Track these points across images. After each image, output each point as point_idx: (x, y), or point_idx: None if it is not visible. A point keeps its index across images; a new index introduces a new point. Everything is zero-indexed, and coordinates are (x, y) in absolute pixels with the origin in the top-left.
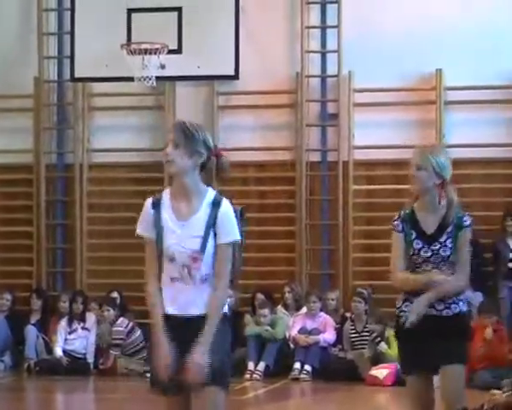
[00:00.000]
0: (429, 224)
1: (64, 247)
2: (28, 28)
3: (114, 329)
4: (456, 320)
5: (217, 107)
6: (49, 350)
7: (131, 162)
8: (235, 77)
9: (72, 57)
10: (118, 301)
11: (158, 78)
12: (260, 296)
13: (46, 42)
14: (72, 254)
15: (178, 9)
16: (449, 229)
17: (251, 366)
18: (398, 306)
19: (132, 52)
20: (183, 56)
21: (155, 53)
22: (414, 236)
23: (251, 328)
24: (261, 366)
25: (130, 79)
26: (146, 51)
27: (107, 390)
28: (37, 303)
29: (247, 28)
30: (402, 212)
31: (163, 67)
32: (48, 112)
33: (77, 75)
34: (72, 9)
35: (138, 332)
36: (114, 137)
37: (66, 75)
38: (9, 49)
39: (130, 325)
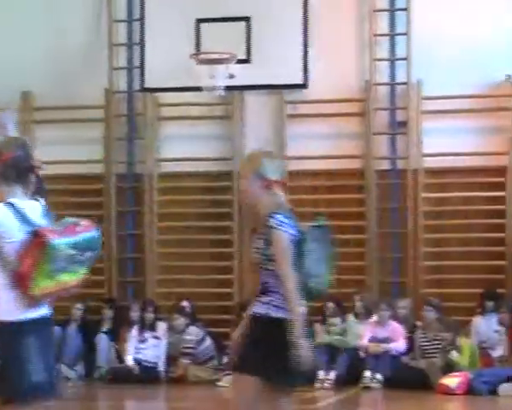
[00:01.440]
0: None
1: (134, 256)
2: (98, 39)
3: (185, 338)
4: None
5: (285, 116)
6: (121, 359)
7: (200, 171)
8: (304, 86)
9: (141, 68)
10: (188, 310)
11: (226, 87)
12: (331, 305)
13: (116, 53)
14: (142, 263)
15: (247, 19)
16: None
17: (322, 374)
18: None
19: (201, 62)
20: (252, 66)
21: (224, 63)
22: None
23: (321, 337)
24: (332, 374)
25: (199, 88)
26: (215, 61)
27: (177, 399)
28: (108, 313)
29: (315, 37)
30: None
31: (232, 76)
32: (118, 122)
33: (146, 85)
34: (142, 20)
35: (208, 341)
36: (183, 146)
37: (136, 86)
38: (80, 60)
39: (201, 333)
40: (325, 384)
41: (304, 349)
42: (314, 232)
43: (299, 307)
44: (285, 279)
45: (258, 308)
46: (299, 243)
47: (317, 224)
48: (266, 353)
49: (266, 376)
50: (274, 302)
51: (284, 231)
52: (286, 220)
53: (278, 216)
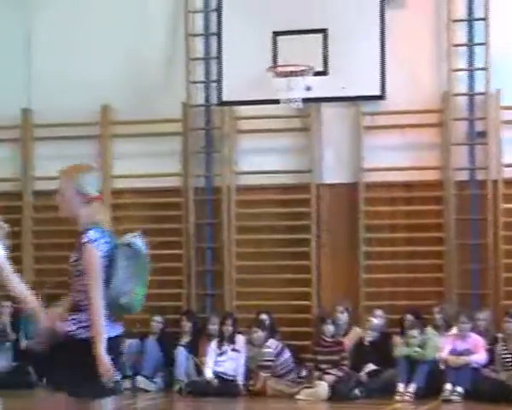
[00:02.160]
0: None
1: (213, 269)
2: (176, 54)
3: (264, 350)
4: None
5: (362, 127)
6: (200, 372)
7: (278, 184)
8: (382, 97)
9: (219, 81)
10: (267, 322)
11: (304, 100)
12: (410, 317)
13: (193, 67)
14: (220, 276)
15: (323, 31)
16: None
17: (401, 387)
18: None
19: (278, 75)
20: (329, 78)
21: (301, 75)
22: None
23: (400, 349)
24: (412, 387)
25: (276, 101)
26: (292, 74)
27: None
28: (187, 325)
29: (392, 48)
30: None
31: (309, 89)
32: (195, 136)
33: (224, 99)
34: (219, 34)
35: (287, 354)
36: (261, 159)
37: (213, 99)
38: (157, 74)
39: (280, 346)
40: (405, 397)
41: (106, 366)
42: (125, 250)
43: (102, 325)
44: (90, 296)
45: (67, 326)
46: (110, 260)
47: (127, 241)
48: (73, 370)
49: (73, 392)
50: (83, 323)
51: (95, 248)
52: (98, 236)
53: (91, 232)
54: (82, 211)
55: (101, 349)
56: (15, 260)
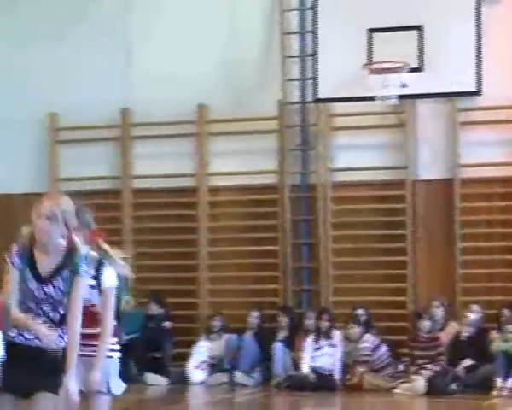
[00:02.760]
0: (45, 266)
1: (309, 265)
2: (271, 52)
3: (360, 346)
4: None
5: (458, 123)
6: (297, 366)
7: (373, 181)
8: (478, 93)
9: (314, 79)
10: (363, 318)
11: (399, 96)
12: (506, 312)
13: (289, 65)
14: (316, 272)
15: (419, 28)
16: (64, 274)
17: (499, 382)
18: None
19: (373, 72)
20: (424, 74)
21: (396, 72)
22: (29, 275)
23: (498, 344)
24: (510, 382)
25: (371, 98)
26: (387, 70)
27: (353, 407)
28: (284, 320)
29: (488, 44)
30: (18, 246)
31: (404, 85)
32: (291, 133)
33: (319, 96)
34: (315, 32)
35: (384, 348)
36: (356, 155)
37: (309, 97)
38: (253, 73)
39: (376, 341)
40: (503, 392)
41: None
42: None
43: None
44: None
45: (59, 340)
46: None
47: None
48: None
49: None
50: (64, 336)
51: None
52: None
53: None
54: (61, 241)
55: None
56: None
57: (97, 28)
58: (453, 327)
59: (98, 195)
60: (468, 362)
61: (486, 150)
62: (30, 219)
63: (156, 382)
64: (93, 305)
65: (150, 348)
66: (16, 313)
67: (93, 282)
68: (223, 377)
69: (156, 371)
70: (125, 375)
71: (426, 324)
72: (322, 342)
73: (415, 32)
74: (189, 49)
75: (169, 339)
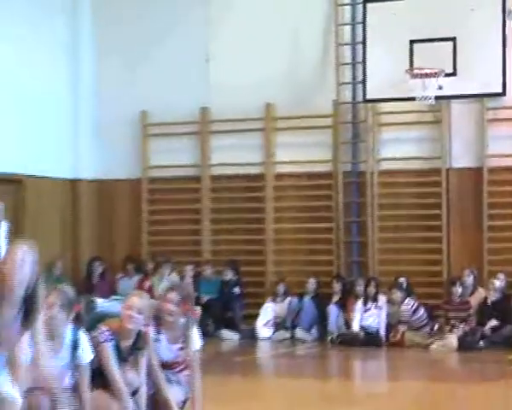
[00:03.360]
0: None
1: (358, 240)
2: (327, 59)
3: (402, 308)
4: None
5: (486, 120)
6: (348, 326)
7: (413, 169)
8: (503, 94)
9: (364, 82)
10: (404, 285)
11: (436, 97)
12: None
13: (342, 70)
14: (365, 246)
15: (453, 39)
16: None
17: None
18: None
19: (414, 76)
20: (457, 78)
21: (434, 76)
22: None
23: None
24: None
25: (412, 98)
26: (426, 75)
27: (395, 359)
28: (337, 286)
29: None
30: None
31: (440, 87)
32: (344, 129)
33: (368, 97)
34: (364, 43)
35: (422, 311)
36: (398, 147)
37: (359, 97)
38: (311, 76)
39: (416, 304)
40: None
41: None
42: None
43: None
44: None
45: None
46: None
47: None
48: None
49: None
50: None
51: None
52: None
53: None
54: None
55: None
56: (195, 232)
57: (182, 40)
58: (481, 293)
59: (181, 180)
60: (493, 323)
61: (511, 143)
62: (126, 199)
63: (229, 337)
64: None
65: (225, 309)
66: None
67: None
68: (285, 334)
69: (230, 329)
70: (203, 331)
71: (458, 290)
72: (370, 305)
73: (449, 43)
74: (259, 57)
75: (240, 301)
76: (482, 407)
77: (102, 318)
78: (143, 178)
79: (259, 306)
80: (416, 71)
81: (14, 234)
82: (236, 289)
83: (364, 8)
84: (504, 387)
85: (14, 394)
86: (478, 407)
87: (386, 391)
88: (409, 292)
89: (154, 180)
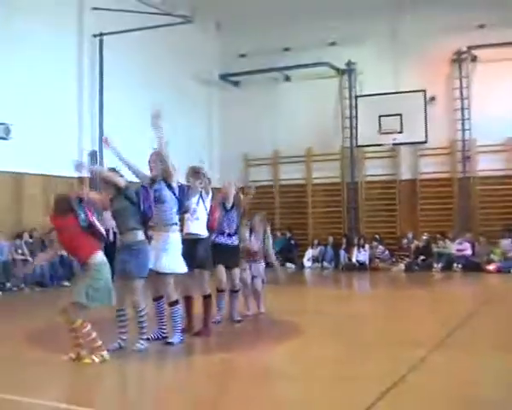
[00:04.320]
0: None
1: (354, 216)
2: (337, 125)
3: (377, 250)
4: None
5: (418, 155)
6: (350, 260)
7: (381, 180)
8: (425, 141)
9: (356, 137)
10: (378, 238)
11: (393, 144)
12: None
13: (346, 131)
14: (357, 219)
15: (400, 114)
16: None
17: None
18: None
19: (382, 133)
20: (404, 134)
21: (391, 133)
22: None
23: None
24: None
25: (381, 144)
26: (387, 133)
27: (374, 277)
28: (343, 240)
29: None
30: None
31: (395, 139)
32: (346, 159)
33: (359, 144)
34: (356, 117)
35: (387, 251)
36: (374, 170)
37: (354, 144)
38: (329, 134)
39: (383, 248)
40: None
41: None
42: None
43: None
44: None
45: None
46: None
47: None
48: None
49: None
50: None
51: None
52: None
53: None
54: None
55: None
56: (272, 213)
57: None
58: (416, 243)
59: (264, 187)
60: (422, 258)
61: (431, 167)
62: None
63: (290, 267)
64: None
65: (287, 252)
66: None
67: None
68: (318, 265)
69: (290, 262)
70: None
71: (404, 241)
72: (361, 249)
73: (398, 116)
74: (304, 122)
75: (295, 248)
76: (416, 297)
77: None
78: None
79: (305, 250)
80: (382, 130)
81: None
82: (292, 242)
83: (356, 100)
84: (427, 288)
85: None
86: (415, 298)
87: (370, 292)
88: (380, 242)
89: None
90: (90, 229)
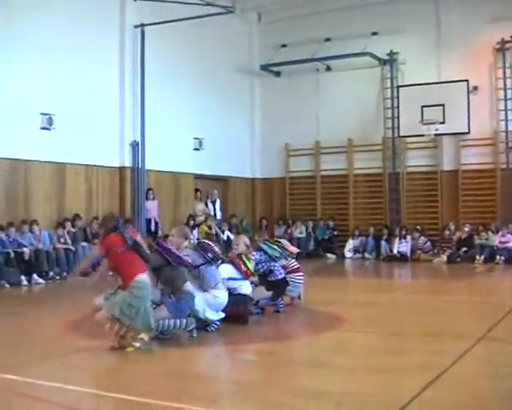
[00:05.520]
0: None
1: (396, 207)
2: (380, 115)
3: (418, 241)
4: None
5: (460, 146)
6: (391, 251)
7: (422, 171)
8: (468, 132)
9: (398, 127)
10: (419, 229)
11: (434, 134)
12: None
13: (387, 121)
14: (399, 210)
15: (443, 105)
16: None
17: None
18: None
19: (424, 124)
20: (446, 125)
21: (433, 124)
22: None
23: None
24: None
25: (422, 135)
26: (429, 123)
27: (415, 268)
28: (385, 230)
29: None
30: None
31: (437, 129)
32: (388, 150)
33: (401, 134)
34: (398, 107)
35: (429, 242)
36: (415, 160)
37: (396, 135)
38: (372, 124)
39: (425, 239)
40: None
41: None
42: None
43: None
44: None
45: None
46: None
47: None
48: None
49: None
50: None
51: None
52: None
53: None
54: None
55: None
56: (313, 204)
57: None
58: (458, 234)
59: (305, 178)
60: (464, 249)
61: (473, 158)
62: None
63: (330, 257)
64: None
65: (328, 242)
66: None
67: None
68: (359, 256)
69: (330, 253)
70: (318, 254)
71: (446, 232)
72: (402, 240)
73: (441, 107)
74: (347, 112)
75: (336, 238)
76: (458, 289)
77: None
78: (286, 177)
79: (345, 241)
80: (424, 121)
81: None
82: (336, 232)
83: (398, 90)
84: (470, 280)
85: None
86: (457, 290)
87: (412, 283)
88: (422, 233)
89: (292, 178)
90: (135, 247)
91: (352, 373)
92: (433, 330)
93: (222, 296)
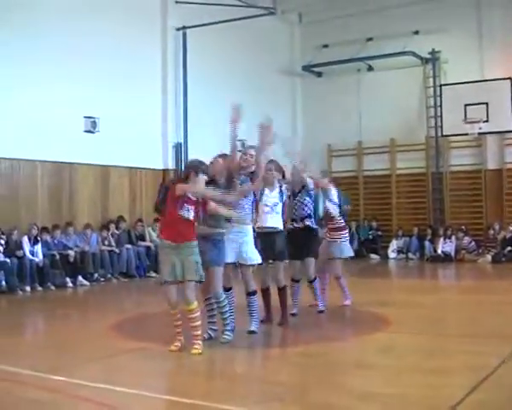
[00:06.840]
0: None
1: (439, 207)
2: (422, 115)
3: (463, 241)
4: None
5: (504, 144)
6: (435, 251)
7: (467, 170)
8: None
9: (441, 126)
10: (464, 229)
11: (478, 133)
12: None
13: (430, 120)
14: (443, 210)
15: (486, 103)
16: None
17: None
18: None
19: (467, 122)
20: (490, 123)
21: (477, 123)
22: None
23: None
24: None
25: (466, 134)
26: (473, 122)
27: (459, 268)
28: (429, 231)
29: None
30: None
31: (480, 128)
32: (431, 150)
33: (444, 134)
34: (441, 106)
35: (473, 242)
36: (459, 160)
37: (439, 134)
38: (415, 123)
39: (470, 239)
40: None
41: None
42: None
43: None
44: None
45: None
46: None
47: None
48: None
49: None
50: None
51: None
52: None
53: None
54: None
55: None
56: (355, 205)
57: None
58: (502, 233)
59: (348, 178)
60: (509, 248)
61: None
62: None
63: (374, 258)
64: None
65: (371, 243)
66: None
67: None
68: (402, 256)
69: (374, 253)
70: (361, 255)
71: (491, 232)
72: (446, 240)
73: (484, 105)
74: (388, 113)
75: (379, 239)
76: (503, 289)
77: None
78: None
79: (389, 241)
80: (468, 119)
81: None
82: (380, 233)
83: (440, 89)
84: None
85: None
86: (502, 290)
87: (454, 282)
88: (466, 233)
89: (335, 179)
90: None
91: (399, 374)
92: (479, 331)
93: None
